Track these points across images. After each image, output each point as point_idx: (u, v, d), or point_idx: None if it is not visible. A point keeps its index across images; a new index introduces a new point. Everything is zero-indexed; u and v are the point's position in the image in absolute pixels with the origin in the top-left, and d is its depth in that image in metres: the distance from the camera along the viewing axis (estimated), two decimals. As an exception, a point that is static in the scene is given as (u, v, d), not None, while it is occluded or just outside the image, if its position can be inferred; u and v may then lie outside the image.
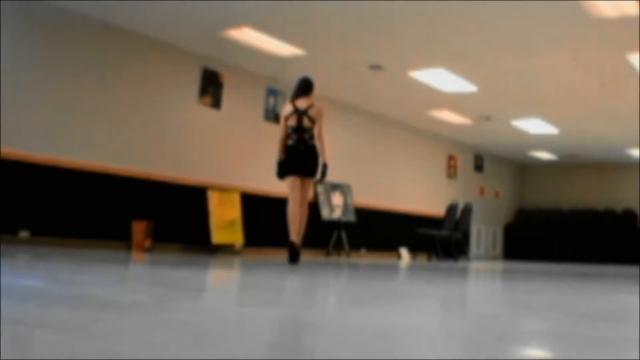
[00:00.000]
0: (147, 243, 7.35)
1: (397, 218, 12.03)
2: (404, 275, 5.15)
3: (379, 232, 11.62)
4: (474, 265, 9.23)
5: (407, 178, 12.64)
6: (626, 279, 5.92)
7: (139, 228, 7.37)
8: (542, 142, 13.70)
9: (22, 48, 6.71)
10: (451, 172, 14.08)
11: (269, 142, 8.29)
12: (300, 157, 5.81)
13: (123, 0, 6.73)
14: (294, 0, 6.41)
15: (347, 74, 9.10)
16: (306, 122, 5.80)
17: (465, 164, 14.62)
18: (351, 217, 10.51)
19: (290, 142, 5.86)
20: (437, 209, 12.50)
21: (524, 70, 8.49)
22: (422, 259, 11.27)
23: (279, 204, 7.32)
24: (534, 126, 12.04)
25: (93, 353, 1.09)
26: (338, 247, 10.20)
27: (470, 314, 2.22)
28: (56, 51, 6.99)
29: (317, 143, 5.85)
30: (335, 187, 10.36)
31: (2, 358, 0.99)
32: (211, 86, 8.61)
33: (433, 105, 10.86)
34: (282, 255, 6.95)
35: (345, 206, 10.48)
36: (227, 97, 8.81)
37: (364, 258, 9.87)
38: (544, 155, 15.50)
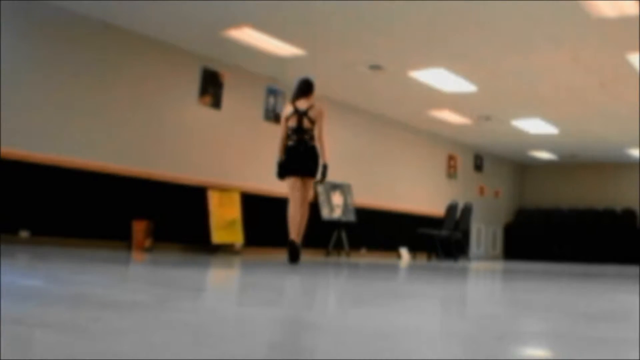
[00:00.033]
0: (148, 243, 7.35)
1: (397, 218, 12.03)
2: (404, 275, 5.15)
3: (379, 232, 11.62)
4: (473, 265, 9.23)
5: (407, 178, 12.64)
6: (626, 278, 5.92)
7: (139, 228, 7.37)
8: (542, 142, 13.70)
9: (22, 48, 6.71)
10: (451, 172, 14.09)
11: (269, 142, 8.30)
12: (300, 158, 5.83)
13: (123, 0, 6.73)
14: (294, 0, 6.41)
15: (347, 74, 9.10)
16: (306, 123, 5.82)
17: (465, 163, 14.62)
18: (351, 217, 10.51)
19: (290, 143, 5.88)
20: (437, 209, 12.50)
21: (524, 70, 8.49)
22: (422, 259, 11.27)
23: (279, 204, 7.32)
24: (534, 126, 12.04)
25: (93, 353, 1.09)
26: (338, 247, 10.20)
27: (470, 314, 2.22)
28: (56, 51, 6.99)
29: (317, 144, 5.87)
30: (335, 187, 10.36)
31: (2, 358, 0.99)
32: (211, 86, 8.61)
33: (433, 105, 10.86)
34: (282, 255, 6.95)
35: (345, 206, 10.48)
36: (227, 97, 8.81)
37: (364, 258, 9.87)
38: (544, 155, 15.50)
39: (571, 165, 16.37)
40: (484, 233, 15.35)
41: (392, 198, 12.08)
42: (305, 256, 7.74)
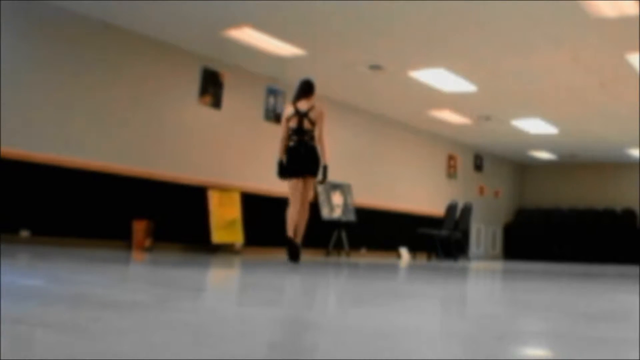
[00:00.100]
0: (148, 243, 7.35)
1: (397, 218, 12.03)
2: (404, 275, 5.15)
3: (379, 232, 11.62)
4: (473, 265, 9.23)
5: (407, 178, 12.64)
6: (626, 278, 5.92)
7: (139, 228, 7.37)
8: (542, 142, 13.70)
9: (22, 48, 6.71)
10: (451, 172, 14.09)
11: (269, 142, 8.30)
12: (301, 159, 5.87)
13: (123, 0, 6.73)
14: (294, 0, 6.41)
15: (347, 74, 9.10)
16: (307, 124, 5.86)
17: (465, 163, 14.62)
18: (351, 217, 10.51)
19: (291, 143, 5.92)
20: (436, 209, 12.50)
21: (524, 70, 8.49)
22: (422, 259, 11.27)
23: (279, 203, 7.32)
24: (534, 126, 12.04)
25: (93, 353, 1.09)
26: (338, 247, 10.20)
27: (470, 314, 2.22)
28: (56, 51, 6.99)
29: (317, 144, 5.90)
30: (336, 186, 10.36)
31: (2, 358, 0.99)
32: (211, 86, 8.61)
33: (433, 105, 10.86)
34: (283, 255, 6.94)
35: (345, 206, 10.48)
36: (227, 97, 8.81)
37: (364, 258, 9.87)
38: (544, 155, 15.50)
39: (571, 165, 16.37)
40: (483, 233, 15.35)
41: (392, 198, 12.08)
42: (306, 256, 7.74)
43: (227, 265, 5.08)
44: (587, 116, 11.11)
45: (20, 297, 1.91)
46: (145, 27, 7.59)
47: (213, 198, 8.37)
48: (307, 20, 7.02)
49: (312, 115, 5.87)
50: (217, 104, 8.68)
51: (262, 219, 8.95)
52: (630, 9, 6.04)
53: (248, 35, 7.57)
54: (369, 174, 11.50)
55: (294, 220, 5.83)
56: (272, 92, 9.48)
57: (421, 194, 12.99)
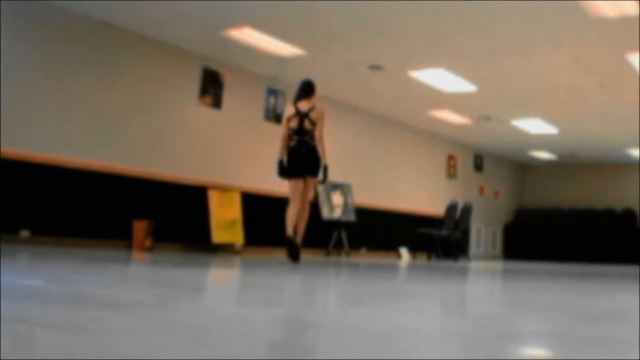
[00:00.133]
0: (148, 242, 7.35)
1: (397, 218, 12.03)
2: (404, 274, 5.15)
3: (379, 232, 11.62)
4: (473, 265, 9.23)
5: (407, 178, 12.64)
6: (626, 278, 5.92)
7: (139, 227, 7.37)
8: (542, 142, 13.70)
9: (22, 48, 6.71)
10: (451, 172, 14.09)
11: (269, 142, 8.30)
12: (302, 159, 5.89)
13: (123, 0, 6.73)
14: (294, 0, 6.41)
15: (347, 74, 9.10)
16: (307, 124, 5.88)
17: (465, 163, 14.62)
18: (351, 217, 10.51)
19: (292, 143, 5.94)
20: (436, 209, 12.50)
21: (524, 70, 8.49)
22: (422, 259, 11.27)
23: (279, 203, 7.33)
24: (534, 126, 12.04)
25: (93, 353, 1.09)
26: (338, 247, 10.20)
27: (470, 314, 2.22)
28: (56, 51, 6.99)
29: (317, 144, 5.91)
30: (336, 186, 10.36)
31: (2, 358, 0.99)
32: (211, 86, 8.61)
33: (433, 105, 10.86)
34: (283, 254, 6.94)
35: (346, 206, 10.48)
36: (228, 97, 8.81)
37: (364, 258, 9.87)
38: (544, 155, 15.50)
39: (571, 165, 16.37)
40: (483, 233, 15.35)
41: (392, 198, 12.08)
42: (306, 256, 7.74)
43: (227, 265, 5.08)
44: (587, 116, 11.11)
45: (20, 297, 1.91)
46: (145, 27, 7.59)
47: (213, 198, 8.37)
48: (307, 20, 7.02)
49: (313, 115, 5.89)
50: (217, 104, 8.69)
51: (262, 219, 8.95)
52: (630, 9, 6.04)
53: (248, 35, 7.57)
54: (369, 174, 11.50)
55: (294, 220, 5.86)
56: (272, 92, 9.48)
57: (421, 194, 12.99)
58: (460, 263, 9.72)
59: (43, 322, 1.43)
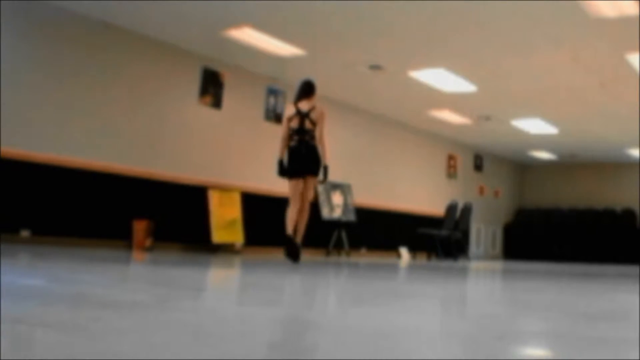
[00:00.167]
0: (148, 242, 7.35)
1: (397, 218, 12.03)
2: (404, 274, 5.16)
3: (379, 232, 11.62)
4: (473, 264, 9.23)
5: (407, 178, 12.64)
6: (626, 278, 5.92)
7: (139, 227, 7.37)
8: (542, 142, 13.70)
9: (22, 48, 6.71)
10: (451, 171, 14.09)
11: (269, 142, 8.30)
12: (302, 159, 5.91)
13: (123, 0, 6.73)
14: (294, 0, 6.41)
15: (347, 74, 9.10)
16: (308, 124, 5.91)
17: (465, 163, 14.62)
18: (351, 217, 10.51)
19: (292, 143, 5.95)
20: (436, 209, 12.50)
21: (524, 70, 8.49)
22: (422, 259, 11.27)
23: (279, 203, 7.33)
24: (534, 126, 12.04)
25: (93, 353, 1.09)
26: (338, 247, 10.20)
27: (470, 314, 2.22)
28: (56, 51, 6.99)
29: (318, 144, 5.93)
30: (336, 186, 10.36)
31: (2, 358, 0.99)
32: (211, 86, 8.61)
33: (433, 105, 10.86)
34: (282, 254, 6.94)
35: (346, 206, 10.48)
36: (228, 97, 8.81)
37: (364, 257, 9.87)
38: (544, 155, 15.50)
39: (571, 165, 16.36)
40: (483, 233, 15.35)
41: (392, 198, 12.08)
42: (306, 256, 7.74)
43: (227, 265, 5.08)
44: (587, 116, 11.10)
45: (20, 297, 1.91)
46: (145, 27, 7.59)
47: (213, 198, 8.37)
48: (307, 20, 7.02)
49: (313, 115, 5.91)
50: (217, 104, 8.69)
51: (262, 219, 8.96)
52: (630, 9, 6.04)
53: (248, 35, 7.57)
54: (369, 174, 11.50)
55: (294, 219, 5.87)
56: (272, 92, 9.48)
57: (421, 194, 12.99)
58: (460, 263, 9.72)
59: (43, 322, 1.43)
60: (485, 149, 15.14)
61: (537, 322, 2.01)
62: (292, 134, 5.94)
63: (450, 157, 14.06)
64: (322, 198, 10.05)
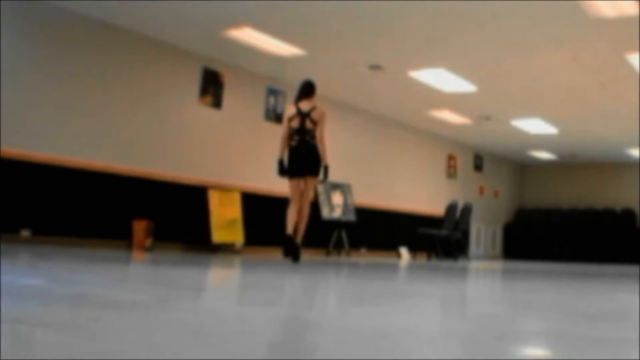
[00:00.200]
0: (148, 242, 7.35)
1: (397, 218, 12.03)
2: (404, 274, 5.16)
3: (379, 232, 11.62)
4: (473, 264, 9.23)
5: (407, 178, 12.64)
6: (626, 278, 5.92)
7: (139, 227, 7.37)
8: (541, 142, 13.70)
9: (22, 48, 6.71)
10: (451, 171, 14.09)
11: (270, 142, 8.30)
12: (302, 159, 5.92)
13: (123, 0, 6.73)
14: (294, 0, 6.41)
15: (347, 74, 9.10)
16: (308, 124, 5.93)
17: (465, 163, 14.62)
18: (351, 217, 10.51)
19: (292, 143, 5.97)
20: (436, 209, 12.50)
21: (524, 70, 8.49)
22: (422, 259, 11.27)
23: (279, 203, 7.33)
24: (534, 126, 12.04)
25: (93, 353, 1.09)
26: (338, 247, 10.20)
27: (470, 314, 2.22)
28: (56, 51, 6.99)
29: (318, 144, 5.94)
30: (336, 186, 10.36)
31: (2, 358, 0.99)
32: (212, 86, 8.61)
33: (433, 105, 10.86)
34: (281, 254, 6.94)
35: (346, 206, 10.48)
36: (228, 97, 8.81)
37: (364, 257, 9.87)
38: (544, 155, 15.50)
39: (571, 165, 16.37)
40: (483, 233, 15.35)
41: (392, 198, 12.08)
42: (306, 256, 7.74)
43: (227, 265, 5.08)
44: (587, 116, 11.10)
45: (20, 297, 1.91)
46: (145, 27, 7.59)
47: (213, 198, 8.37)
48: (307, 20, 7.02)
49: (314, 115, 5.94)
50: (217, 104, 8.69)
51: (263, 219, 8.96)
52: (630, 9, 6.04)
53: (248, 35, 7.57)
54: (369, 174, 11.50)
55: (294, 219, 5.89)
56: (272, 92, 9.49)
57: (421, 194, 12.99)
58: (460, 263, 9.72)
59: (43, 322, 1.43)
60: (485, 149, 15.14)
61: (537, 322, 2.01)
62: (292, 133, 5.95)
63: (450, 157, 14.06)
64: (322, 198, 10.05)
